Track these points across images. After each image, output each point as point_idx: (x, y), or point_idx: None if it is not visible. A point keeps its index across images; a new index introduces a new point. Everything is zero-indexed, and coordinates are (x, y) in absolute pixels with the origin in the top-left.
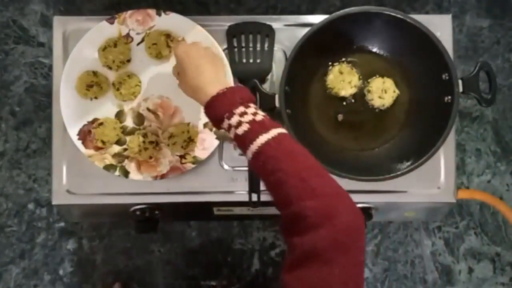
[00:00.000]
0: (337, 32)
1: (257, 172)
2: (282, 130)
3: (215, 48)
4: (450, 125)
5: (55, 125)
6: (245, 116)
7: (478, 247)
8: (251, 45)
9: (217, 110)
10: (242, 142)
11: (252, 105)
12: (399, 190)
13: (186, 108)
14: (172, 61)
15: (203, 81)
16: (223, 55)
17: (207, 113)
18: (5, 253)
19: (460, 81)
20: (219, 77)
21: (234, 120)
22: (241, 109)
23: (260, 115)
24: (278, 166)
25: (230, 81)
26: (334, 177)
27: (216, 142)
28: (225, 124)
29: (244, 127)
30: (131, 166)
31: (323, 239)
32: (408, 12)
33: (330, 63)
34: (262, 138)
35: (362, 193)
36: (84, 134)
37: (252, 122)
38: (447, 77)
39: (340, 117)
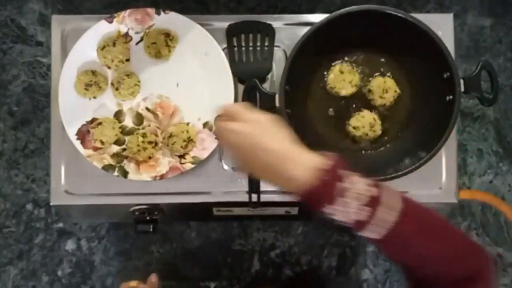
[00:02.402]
0: (338, 31)
1: (393, 255)
2: (400, 194)
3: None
4: (451, 125)
5: (54, 125)
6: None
7: None
8: (251, 44)
9: (321, 201)
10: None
11: (355, 177)
12: (400, 190)
13: (185, 108)
14: (172, 61)
15: (279, 161)
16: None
17: (307, 202)
18: (3, 254)
19: (461, 81)
20: (293, 149)
21: (352, 207)
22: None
23: (371, 187)
24: (417, 243)
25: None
26: None
27: (216, 142)
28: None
29: (366, 211)
30: (130, 166)
31: None
32: (409, 11)
33: (330, 62)
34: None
35: None
36: (83, 134)
37: (369, 203)
38: (448, 77)
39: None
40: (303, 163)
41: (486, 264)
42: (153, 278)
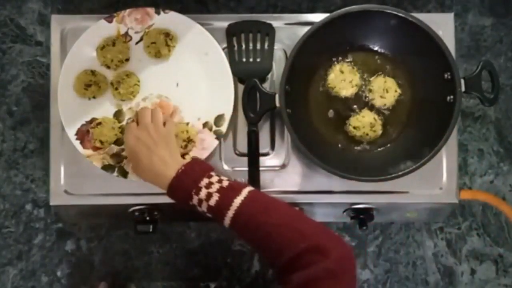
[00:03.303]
0: (338, 31)
1: (241, 234)
2: (250, 187)
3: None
4: (452, 125)
5: (53, 125)
6: (212, 186)
7: (481, 248)
8: (251, 44)
9: (182, 190)
10: (217, 211)
11: (213, 173)
12: (401, 190)
13: (185, 108)
14: (172, 60)
15: (159, 165)
16: (171, 129)
17: (173, 195)
18: (3, 254)
19: (462, 81)
20: (175, 156)
21: (203, 193)
22: (205, 181)
23: (225, 181)
24: (261, 220)
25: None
26: (335, 177)
27: (216, 142)
28: (195, 200)
29: (215, 197)
30: (130, 166)
31: (319, 271)
32: (410, 10)
33: (330, 62)
34: (237, 201)
35: (363, 193)
36: (82, 134)
37: (221, 190)
38: (449, 77)
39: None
40: (175, 165)
41: (337, 245)
42: (102, 286)
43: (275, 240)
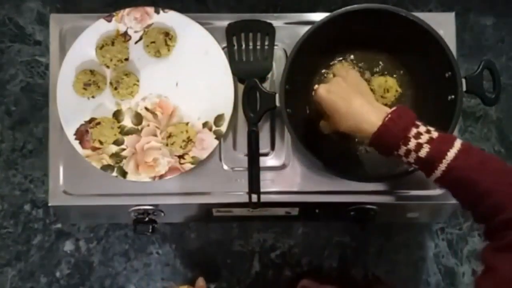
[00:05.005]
0: (338, 30)
1: (450, 188)
2: (459, 139)
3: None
4: (453, 124)
5: (52, 125)
6: (421, 136)
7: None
8: (251, 43)
9: (390, 139)
10: (427, 163)
11: (418, 122)
12: (402, 190)
13: (184, 108)
14: (171, 60)
15: (360, 113)
16: (357, 75)
17: (378, 144)
18: (1, 255)
19: (463, 80)
20: (372, 102)
21: (412, 144)
22: (414, 131)
23: (433, 131)
24: (477, 178)
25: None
26: (335, 177)
27: (216, 142)
28: (402, 150)
29: (426, 148)
30: (129, 167)
31: None
32: (411, 9)
33: (331, 62)
34: (450, 154)
35: (364, 193)
36: (81, 134)
37: (431, 141)
38: (450, 76)
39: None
40: (378, 112)
41: None
42: (201, 281)
43: (492, 199)
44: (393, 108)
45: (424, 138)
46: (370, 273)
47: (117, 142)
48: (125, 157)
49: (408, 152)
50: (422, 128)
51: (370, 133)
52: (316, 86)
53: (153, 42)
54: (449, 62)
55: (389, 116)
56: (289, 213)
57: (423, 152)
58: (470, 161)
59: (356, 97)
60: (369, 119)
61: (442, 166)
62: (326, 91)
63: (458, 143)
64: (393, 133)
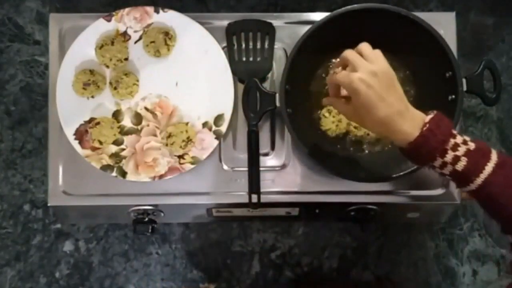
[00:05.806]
0: (339, 29)
1: (483, 201)
2: (494, 151)
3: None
4: (454, 124)
5: (51, 125)
6: (459, 148)
7: (483, 249)
8: (251, 43)
9: (427, 151)
10: (463, 176)
11: (454, 131)
12: (402, 190)
13: (184, 108)
14: (171, 60)
15: (397, 119)
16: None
17: (414, 155)
18: (0, 255)
19: (464, 80)
20: (408, 106)
21: (449, 156)
22: (451, 142)
23: (469, 141)
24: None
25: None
26: (335, 177)
27: (216, 142)
28: (438, 162)
29: (463, 161)
30: (128, 167)
31: None
32: (411, 9)
33: (331, 61)
34: (488, 169)
35: (364, 193)
36: (81, 134)
37: (468, 153)
38: (450, 76)
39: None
40: (413, 119)
41: None
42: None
43: None
44: (430, 116)
45: (462, 150)
46: (383, 277)
47: (116, 142)
48: (124, 157)
49: (444, 164)
50: (459, 139)
51: (404, 143)
52: (339, 69)
53: (153, 41)
54: (449, 62)
55: (427, 126)
56: (289, 213)
57: (460, 166)
58: (506, 177)
59: (392, 100)
60: (404, 128)
61: (479, 181)
62: (366, 86)
63: (494, 156)
64: (431, 145)
